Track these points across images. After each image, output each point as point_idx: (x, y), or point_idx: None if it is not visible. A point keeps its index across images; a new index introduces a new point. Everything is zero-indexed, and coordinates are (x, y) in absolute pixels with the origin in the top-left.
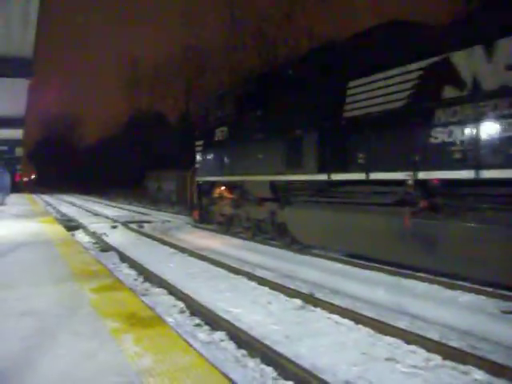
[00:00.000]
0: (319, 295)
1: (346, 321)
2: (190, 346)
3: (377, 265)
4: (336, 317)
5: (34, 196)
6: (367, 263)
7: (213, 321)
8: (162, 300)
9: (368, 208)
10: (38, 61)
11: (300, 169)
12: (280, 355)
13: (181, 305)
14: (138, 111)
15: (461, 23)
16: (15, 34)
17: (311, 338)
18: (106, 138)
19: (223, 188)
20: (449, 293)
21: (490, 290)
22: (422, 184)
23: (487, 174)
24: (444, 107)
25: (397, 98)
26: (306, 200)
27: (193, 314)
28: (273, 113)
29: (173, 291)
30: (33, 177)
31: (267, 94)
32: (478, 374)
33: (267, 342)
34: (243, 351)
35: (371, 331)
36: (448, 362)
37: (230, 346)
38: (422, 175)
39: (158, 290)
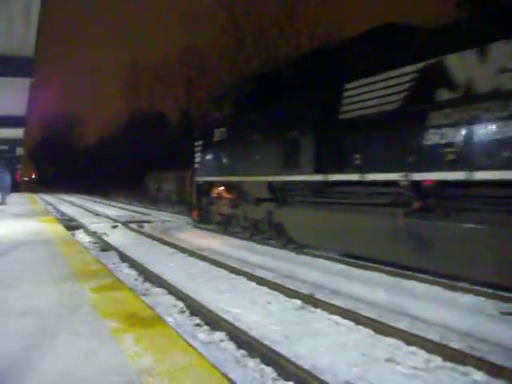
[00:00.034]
0: (319, 296)
1: (346, 321)
2: (190, 346)
3: (377, 266)
4: (336, 317)
5: (34, 195)
6: (368, 264)
7: (213, 321)
8: (162, 300)
9: (363, 208)
10: (38, 60)
11: (297, 169)
12: (280, 355)
13: (181, 305)
14: (138, 111)
15: (454, 26)
16: (16, 34)
17: (311, 338)
18: (106, 138)
19: (222, 188)
20: (449, 294)
21: (490, 291)
22: (416, 185)
23: (479, 175)
24: (437, 109)
25: (391, 100)
26: (302, 200)
27: (193, 314)
28: (270, 114)
29: (173, 291)
30: (33, 176)
31: (265, 95)
32: (478, 375)
33: (267, 343)
34: (243, 351)
35: (371, 332)
36: (448, 363)
37: (230, 346)
38: (415, 176)
39: (158, 289)
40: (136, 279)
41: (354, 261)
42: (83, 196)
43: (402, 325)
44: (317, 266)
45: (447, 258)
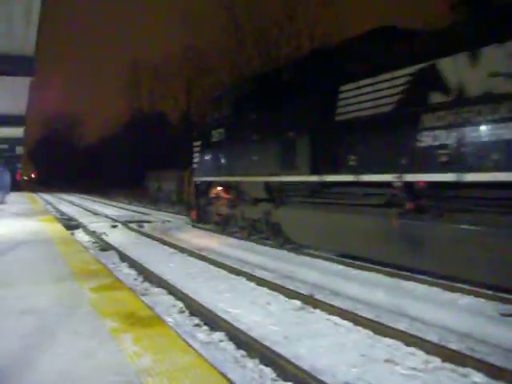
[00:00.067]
0: (319, 296)
1: (345, 322)
2: (189, 346)
3: (375, 266)
4: (335, 318)
5: (33, 195)
6: (366, 265)
7: (212, 321)
8: (161, 300)
9: (358, 209)
10: (39, 59)
11: (294, 170)
12: (279, 356)
13: (180, 305)
14: (138, 111)
15: (447, 30)
16: (17, 33)
17: (310, 338)
18: (106, 138)
19: (220, 188)
20: (448, 295)
21: (490, 292)
22: (409, 186)
23: (469, 177)
24: (430, 112)
25: (385, 103)
26: (299, 201)
27: (192, 314)
28: (268, 115)
29: (172, 291)
30: (33, 176)
31: (262, 97)
32: (477, 377)
33: (266, 343)
34: (242, 352)
35: (370, 333)
36: (447, 365)
37: (229, 346)
38: (408, 178)
39: (157, 289)
40: (135, 279)
41: (352, 261)
42: (83, 195)
43: (401, 326)
44: (316, 267)
45: (439, 257)
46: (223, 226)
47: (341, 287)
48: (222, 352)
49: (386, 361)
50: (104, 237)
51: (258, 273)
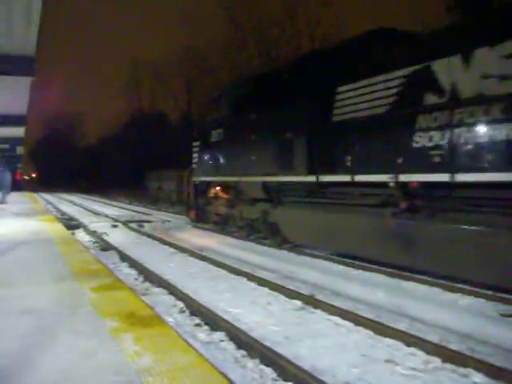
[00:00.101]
0: (319, 297)
1: (346, 322)
2: (190, 345)
3: (376, 266)
4: (336, 318)
5: (34, 195)
6: (366, 265)
7: (212, 321)
8: (161, 300)
9: (354, 209)
10: (39, 59)
11: (291, 170)
12: (280, 356)
13: (181, 304)
14: (138, 111)
15: (441, 32)
16: (17, 33)
17: (311, 339)
18: (106, 138)
19: (219, 188)
20: (449, 295)
21: (490, 293)
22: (404, 186)
23: (461, 177)
24: (424, 113)
25: (381, 104)
26: (296, 200)
27: (192, 313)
28: (266, 115)
29: (173, 291)
30: (33, 175)
31: (261, 97)
32: (478, 377)
33: (267, 343)
34: (243, 352)
35: (371, 333)
36: (447, 365)
37: (230, 346)
38: (403, 178)
39: (157, 289)
40: (136, 279)
41: (353, 262)
42: (83, 195)
43: (402, 326)
44: (316, 267)
45: (432, 256)
46: (222, 226)
47: (341, 287)
48: (223, 352)
49: (387, 361)
50: (104, 237)
51: (259, 273)
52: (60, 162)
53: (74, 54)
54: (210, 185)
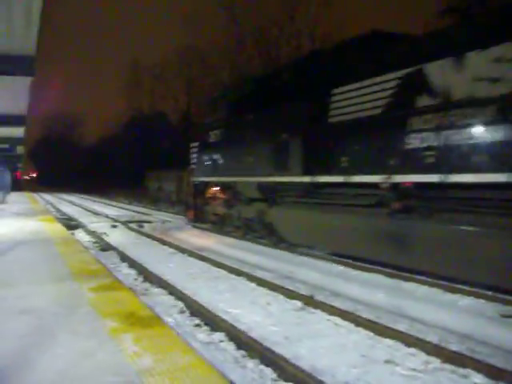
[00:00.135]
0: (319, 297)
1: (345, 323)
2: (190, 346)
3: (376, 267)
4: (336, 318)
5: (34, 194)
6: (366, 266)
7: (212, 321)
8: (161, 300)
9: (348, 209)
10: (39, 59)
11: (287, 171)
12: (279, 356)
13: (180, 305)
14: (138, 111)
15: (434, 36)
16: (17, 32)
17: (311, 339)
18: (106, 138)
19: (217, 188)
20: (449, 296)
21: (490, 293)
22: (397, 187)
23: (453, 178)
24: (417, 115)
25: (375, 106)
26: (292, 201)
27: (192, 314)
28: (263, 117)
29: (172, 291)
30: (33, 175)
31: (257, 99)
32: (477, 378)
33: (267, 344)
34: (242, 352)
35: (371, 333)
36: (447, 366)
37: (230, 346)
38: (396, 178)
39: (157, 289)
40: (135, 279)
41: (353, 262)
42: (83, 195)
43: (402, 326)
44: (316, 267)
45: (425, 255)
46: (220, 226)
47: (341, 288)
48: (223, 352)
49: (387, 361)
50: (104, 237)
51: (258, 273)
52: (60, 162)
53: (75, 54)
54: (208, 185)
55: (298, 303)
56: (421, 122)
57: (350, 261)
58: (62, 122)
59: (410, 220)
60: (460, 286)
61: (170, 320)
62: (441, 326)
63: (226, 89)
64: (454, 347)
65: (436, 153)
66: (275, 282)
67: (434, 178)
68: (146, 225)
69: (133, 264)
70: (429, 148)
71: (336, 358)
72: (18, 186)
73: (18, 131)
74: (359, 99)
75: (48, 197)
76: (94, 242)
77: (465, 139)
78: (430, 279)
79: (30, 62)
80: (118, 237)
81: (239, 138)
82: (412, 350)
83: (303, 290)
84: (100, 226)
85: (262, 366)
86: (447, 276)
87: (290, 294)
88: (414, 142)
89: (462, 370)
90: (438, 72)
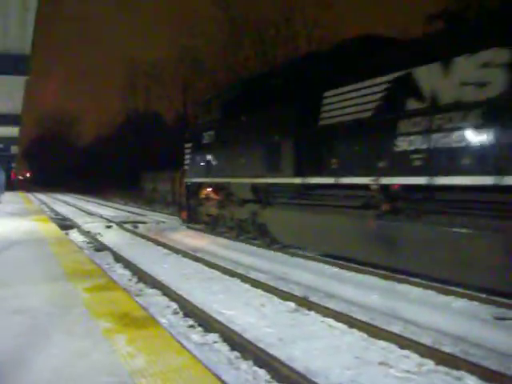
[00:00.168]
0: (313, 298)
1: (339, 324)
2: (183, 347)
3: (370, 269)
4: (330, 320)
5: (28, 195)
6: (362, 267)
7: (206, 322)
8: (155, 301)
9: (339, 210)
10: (35, 58)
11: (278, 172)
12: (273, 358)
13: (174, 306)
14: (134, 111)
15: (423, 40)
16: (13, 31)
17: (305, 340)
18: (102, 138)
19: (210, 189)
20: (443, 298)
21: (484, 296)
22: (385, 189)
23: (440, 180)
24: (406, 118)
25: (365, 109)
26: (283, 202)
27: (186, 315)
28: (255, 119)
29: (166, 292)
30: (28, 175)
31: (250, 101)
32: (471, 380)
33: (260, 345)
34: (236, 353)
35: (365, 335)
36: (441, 368)
37: (223, 347)
38: (384, 181)
39: (151, 290)
40: (130, 280)
41: (347, 264)
42: (78, 196)
43: (396, 328)
44: (310, 269)
45: (412, 256)
46: (212, 226)
47: (335, 289)
48: (216, 353)
49: (380, 363)
50: (99, 237)
51: (252, 274)
52: (54, 162)
53: (70, 53)
54: (201, 186)
55: (292, 305)
56: (409, 125)
57: (344, 262)
58: (56, 122)
59: (399, 221)
60: (454, 288)
61: (164, 321)
62: (435, 327)
63: (219, 90)
64: (447, 349)
65: (423, 155)
66: (269, 284)
67: (420, 180)
68: (140, 225)
69: (127, 264)
70: (416, 151)
71: (330, 359)
72: (12, 185)
73: (12, 131)
74: (348, 102)
75: (42, 197)
76: (89, 243)
77: (451, 142)
78: (423, 281)
79: (26, 61)
80: (112, 237)
81: (232, 139)
82: (406, 351)
83: (297, 292)
84: (94, 226)
85: (255, 368)
86: (433, 276)
87: (284, 296)
88: (402, 144)
89: (455, 372)
90: (426, 76)
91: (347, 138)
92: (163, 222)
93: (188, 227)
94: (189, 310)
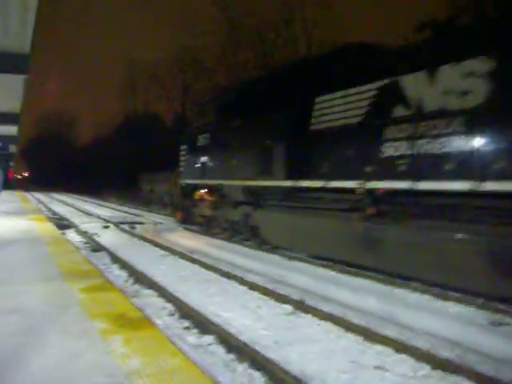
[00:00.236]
0: (310, 302)
1: (336, 328)
2: (179, 348)
3: (367, 273)
4: (326, 324)
5: (26, 194)
6: (359, 271)
7: (202, 324)
8: (151, 302)
9: (327, 213)
10: (35, 58)
11: (270, 175)
12: (269, 361)
13: (171, 307)
14: (133, 112)
15: (410, 49)
16: (12, 30)
17: (301, 344)
18: (100, 138)
19: (204, 191)
20: (440, 303)
21: (480, 301)
22: (371, 192)
23: (423, 185)
24: (392, 125)
25: (353, 115)
26: (274, 204)
27: (182, 316)
28: (248, 123)
29: (163, 293)
30: (25, 174)
31: (243, 105)
32: None
33: (256, 347)
34: (232, 356)
35: (361, 339)
36: (437, 372)
37: (219, 349)
38: (370, 185)
39: (148, 291)
40: (126, 280)
41: (344, 267)
42: (75, 195)
43: (392, 333)
44: (307, 272)
45: (397, 258)
46: (206, 227)
47: (332, 293)
48: (212, 355)
49: (376, 367)
50: (96, 237)
51: (249, 277)
52: (52, 162)
53: (70, 53)
54: (195, 187)
55: (289, 307)
56: (394, 131)
57: (342, 266)
58: (55, 121)
59: (383, 224)
60: (451, 294)
61: (160, 322)
62: (431, 332)
63: (214, 93)
64: (443, 354)
65: (407, 161)
66: (266, 286)
67: (404, 184)
68: (137, 226)
69: (124, 265)
70: (401, 156)
71: (326, 363)
72: (9, 184)
73: (11, 129)
74: (337, 108)
75: (40, 196)
76: (86, 243)
77: (434, 149)
78: (421, 286)
79: (25, 60)
80: (109, 237)
81: (226, 142)
82: (402, 356)
83: (294, 295)
84: (92, 226)
85: (251, 370)
86: (416, 277)
87: (281, 299)
88: (388, 150)
89: (451, 378)
90: (412, 84)
91: (336, 142)
92: (160, 223)
93: (185, 228)
94: (185, 312)
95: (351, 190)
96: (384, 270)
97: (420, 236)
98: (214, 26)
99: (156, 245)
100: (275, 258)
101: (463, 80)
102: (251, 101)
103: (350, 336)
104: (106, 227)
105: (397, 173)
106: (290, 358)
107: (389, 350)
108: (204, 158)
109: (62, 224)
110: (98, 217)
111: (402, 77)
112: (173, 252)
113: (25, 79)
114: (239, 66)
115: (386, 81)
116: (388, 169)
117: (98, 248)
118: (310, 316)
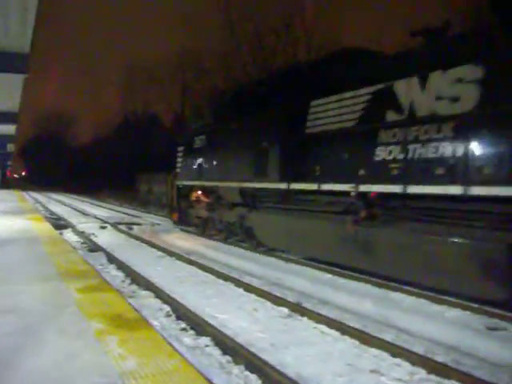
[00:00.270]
0: (306, 305)
1: (332, 331)
2: (175, 350)
3: (364, 276)
4: (323, 327)
5: (23, 193)
6: (356, 275)
7: (199, 326)
8: (148, 303)
9: (320, 215)
10: (34, 57)
11: (265, 177)
12: (265, 363)
13: (167, 308)
14: (132, 112)
15: (403, 55)
16: (13, 30)
17: (297, 346)
18: (99, 139)
19: (200, 192)
20: (436, 307)
21: (477, 306)
22: (364, 196)
23: (413, 189)
24: (385, 129)
25: (347, 119)
26: (269, 206)
27: (179, 318)
28: (244, 126)
29: (160, 294)
30: (23, 174)
31: (239, 108)
32: None
33: (252, 349)
34: (228, 357)
35: (357, 342)
36: (432, 377)
37: (215, 351)
38: (362, 188)
39: (144, 292)
40: (123, 281)
41: (341, 271)
42: (73, 195)
43: (388, 336)
44: (304, 275)
45: (388, 261)
46: (202, 228)
47: (329, 296)
48: (208, 357)
49: (372, 371)
50: (93, 238)
51: (246, 279)
52: (50, 162)
53: (70, 53)
54: (192, 189)
55: (285, 310)
56: (387, 135)
57: (339, 269)
58: (54, 121)
59: (375, 227)
60: (447, 298)
61: (156, 323)
62: (427, 336)
63: (211, 97)
64: (439, 358)
65: (399, 165)
66: (263, 288)
67: (396, 188)
68: (135, 227)
69: (121, 266)
70: (393, 160)
71: (322, 366)
72: (7, 184)
73: (9, 129)
74: (332, 112)
75: (37, 196)
76: (83, 243)
77: (425, 153)
78: (417, 290)
79: (24, 60)
80: (106, 238)
81: (222, 144)
82: (398, 360)
83: (290, 297)
84: (89, 226)
85: (247, 372)
86: (405, 279)
87: (278, 301)
88: (380, 154)
89: (447, 382)
90: (404, 90)
91: (330, 146)
92: (158, 223)
93: (182, 230)
94: (181, 313)
95: (344, 193)
96: (376, 272)
97: (411, 239)
98: (215, 28)
99: (153, 246)
100: (272, 260)
101: (454, 86)
102: (247, 103)
103: (347, 339)
104: (104, 227)
105: (388, 177)
106: (286, 361)
107: (385, 354)
108: (200, 160)
109: (60, 224)
110: (96, 217)
111: (394, 82)
112: (170, 253)
113: (24, 78)
114: (239, 69)
115: (379, 86)
116: (380, 173)
117: (95, 248)
118: (306, 319)
